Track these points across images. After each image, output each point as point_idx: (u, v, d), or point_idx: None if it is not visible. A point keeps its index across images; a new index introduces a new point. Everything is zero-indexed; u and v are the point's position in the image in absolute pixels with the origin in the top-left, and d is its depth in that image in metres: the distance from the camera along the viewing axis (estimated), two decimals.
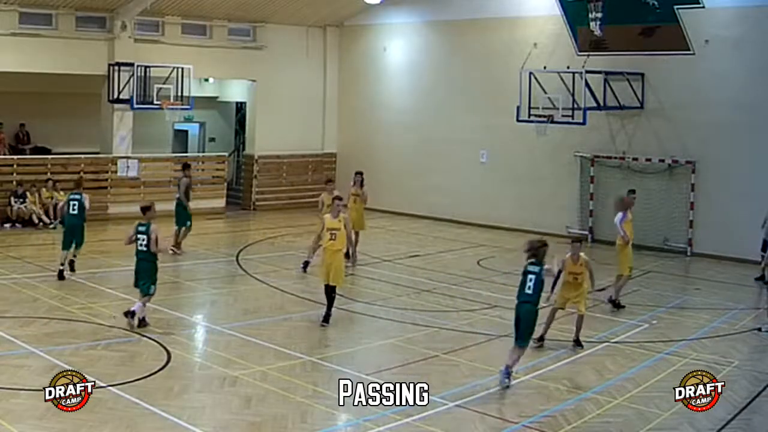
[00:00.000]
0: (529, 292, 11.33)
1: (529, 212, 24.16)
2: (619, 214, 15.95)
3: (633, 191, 17.41)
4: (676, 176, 21.66)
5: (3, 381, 10.54)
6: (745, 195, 20.19)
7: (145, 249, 13.54)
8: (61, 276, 16.47)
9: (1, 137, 24.60)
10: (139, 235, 13.57)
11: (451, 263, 19.93)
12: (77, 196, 17.02)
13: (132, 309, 13.36)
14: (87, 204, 17.09)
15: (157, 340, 12.63)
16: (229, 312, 14.75)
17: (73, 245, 16.86)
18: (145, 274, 13.55)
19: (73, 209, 16.91)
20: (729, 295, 17.24)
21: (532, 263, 11.46)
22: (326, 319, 13.93)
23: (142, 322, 13.34)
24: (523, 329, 11.31)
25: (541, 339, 13.01)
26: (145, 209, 13.83)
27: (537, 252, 11.47)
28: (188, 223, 19.77)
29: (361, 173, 19.70)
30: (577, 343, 13.07)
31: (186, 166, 20.49)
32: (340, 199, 14.86)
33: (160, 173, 25.75)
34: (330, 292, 13.90)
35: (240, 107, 29.72)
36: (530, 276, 11.37)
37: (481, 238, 23.17)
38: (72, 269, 16.86)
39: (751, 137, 20.38)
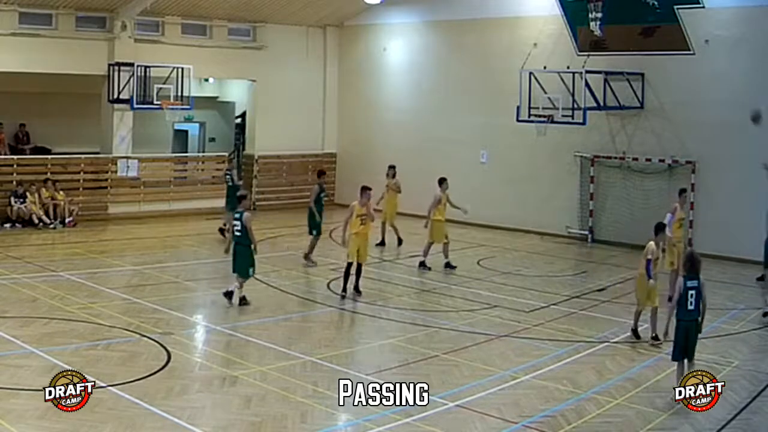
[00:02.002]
0: (692, 308, 10.89)
1: (529, 212, 24.17)
2: (668, 215, 16.36)
3: (684, 190, 17.51)
4: (676, 176, 21.65)
5: (3, 381, 10.55)
6: (745, 195, 20.19)
7: (240, 234, 14.83)
8: (222, 233, 21.23)
9: (1, 137, 24.60)
10: (235, 222, 14.94)
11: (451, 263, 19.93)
12: (230, 172, 22.17)
13: (230, 289, 15.03)
14: (235, 176, 22.12)
15: (157, 340, 12.63)
16: (229, 312, 14.75)
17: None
18: (241, 258, 14.83)
19: (229, 181, 21.72)
20: (729, 295, 17.24)
21: (690, 278, 10.91)
22: (357, 288, 16.05)
23: (243, 301, 14.89)
24: (692, 346, 11.01)
25: (657, 338, 13.32)
26: (241, 198, 15.39)
27: (698, 266, 11.02)
28: (314, 232, 19.13)
29: (393, 167, 21.98)
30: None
31: (321, 173, 20.10)
32: (369, 189, 16.45)
33: (160, 173, 25.78)
34: (358, 268, 15.97)
35: (241, 117, 29.58)
36: (690, 292, 10.86)
37: (481, 238, 23.16)
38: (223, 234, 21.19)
39: (751, 137, 20.34)
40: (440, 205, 18.90)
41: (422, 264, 18.89)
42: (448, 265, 18.91)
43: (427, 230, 18.96)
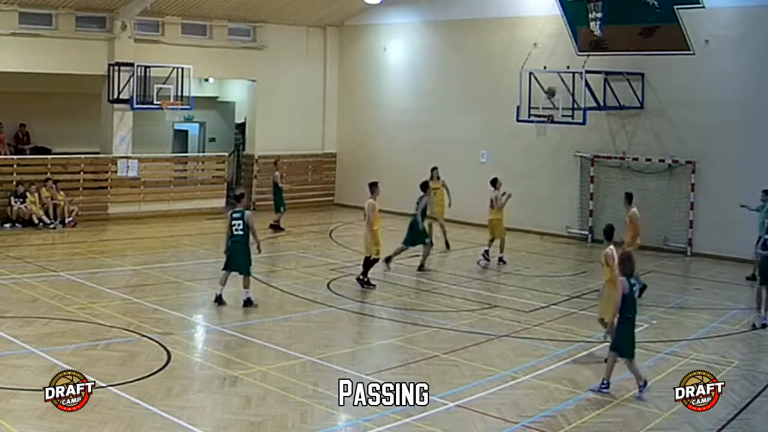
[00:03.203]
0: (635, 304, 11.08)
1: (529, 212, 24.13)
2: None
3: (628, 194, 17.33)
4: (676, 176, 21.66)
5: (3, 381, 10.55)
6: (745, 195, 20.14)
7: (241, 233, 14.72)
8: (278, 228, 23.22)
9: (1, 137, 24.60)
10: (234, 221, 14.75)
11: (451, 263, 19.94)
12: (277, 173, 23.99)
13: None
14: (279, 178, 24.04)
15: (157, 340, 12.63)
16: (229, 312, 14.75)
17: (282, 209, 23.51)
18: (243, 257, 14.77)
19: (277, 179, 23.56)
20: (729, 295, 17.24)
21: (630, 276, 10.96)
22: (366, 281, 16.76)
23: (248, 302, 14.79)
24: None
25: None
26: (240, 197, 15.28)
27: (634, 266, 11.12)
28: (427, 240, 18.99)
29: (436, 168, 21.65)
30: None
31: (425, 186, 19.20)
32: (376, 184, 16.99)
33: (160, 173, 25.78)
34: (371, 261, 16.73)
35: (240, 125, 29.48)
36: (634, 288, 11.02)
37: (481, 238, 23.07)
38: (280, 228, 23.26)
39: (751, 137, 20.38)
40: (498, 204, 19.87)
41: (500, 259, 19.86)
42: (501, 260, 19.85)
43: (489, 230, 19.97)
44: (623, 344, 10.94)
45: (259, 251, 15.20)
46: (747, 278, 18.50)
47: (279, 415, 9.95)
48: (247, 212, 14.86)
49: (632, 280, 11.01)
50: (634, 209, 16.66)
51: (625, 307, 10.85)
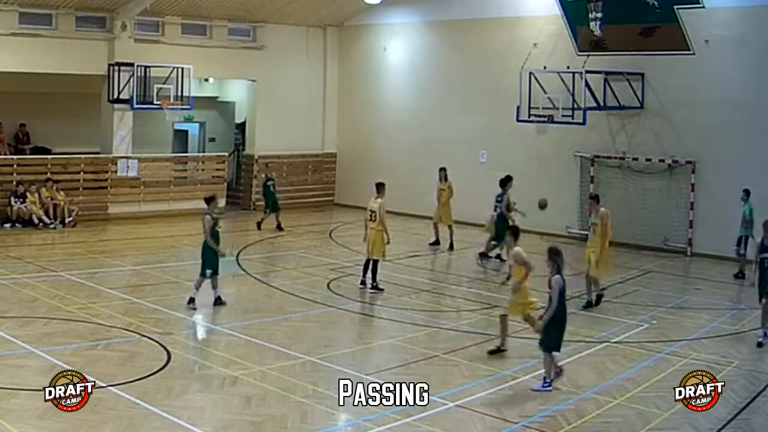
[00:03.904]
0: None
1: (528, 212, 24.10)
2: None
3: (592, 195, 16.82)
4: (676, 176, 21.65)
5: (3, 381, 10.55)
6: None
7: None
8: (258, 227, 23.28)
9: (1, 137, 24.60)
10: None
11: (451, 263, 19.93)
12: (271, 180, 23.81)
13: (191, 297, 14.78)
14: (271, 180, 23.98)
15: (157, 340, 12.63)
16: (229, 312, 14.75)
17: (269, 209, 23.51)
18: (203, 258, 14.78)
19: (271, 187, 23.54)
20: (729, 295, 17.25)
21: (560, 273, 11.01)
22: (366, 282, 16.65)
23: (218, 301, 14.88)
24: None
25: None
26: (208, 200, 15.01)
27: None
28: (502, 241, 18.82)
29: (444, 168, 21.93)
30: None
31: (504, 182, 19.62)
32: (384, 185, 16.63)
33: (160, 173, 25.77)
34: (374, 264, 16.53)
35: (240, 125, 29.45)
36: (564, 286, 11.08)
37: (481, 238, 23.10)
38: (259, 228, 23.29)
39: (751, 137, 20.37)
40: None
41: (485, 255, 19.63)
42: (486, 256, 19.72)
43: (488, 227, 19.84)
44: (553, 343, 10.99)
45: (221, 254, 14.92)
46: (735, 276, 18.53)
47: (279, 415, 9.95)
48: (205, 216, 14.71)
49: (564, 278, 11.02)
50: (603, 209, 15.77)
51: (559, 308, 10.89)
